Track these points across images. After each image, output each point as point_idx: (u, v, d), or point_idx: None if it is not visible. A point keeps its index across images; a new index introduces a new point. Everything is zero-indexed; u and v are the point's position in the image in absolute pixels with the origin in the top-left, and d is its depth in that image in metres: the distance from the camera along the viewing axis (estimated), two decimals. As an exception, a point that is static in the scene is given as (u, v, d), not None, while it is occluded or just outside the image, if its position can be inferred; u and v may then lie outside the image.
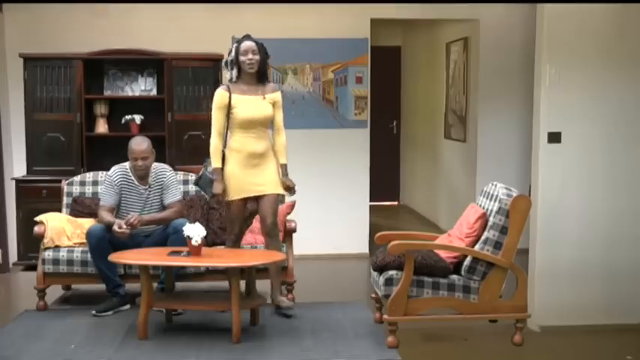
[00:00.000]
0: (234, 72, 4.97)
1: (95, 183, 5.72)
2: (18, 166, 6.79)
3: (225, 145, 5.00)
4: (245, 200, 5.04)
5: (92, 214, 5.56)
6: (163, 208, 5.29)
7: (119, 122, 6.70)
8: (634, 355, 4.53)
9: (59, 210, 5.68)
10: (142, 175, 5.23)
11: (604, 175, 4.96)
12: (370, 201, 7.55)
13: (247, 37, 5.02)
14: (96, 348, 4.51)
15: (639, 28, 4.90)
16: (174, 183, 5.34)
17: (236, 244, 5.14)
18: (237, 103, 4.92)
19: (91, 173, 5.86)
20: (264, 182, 5.00)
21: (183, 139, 6.54)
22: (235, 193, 4.97)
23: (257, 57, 4.93)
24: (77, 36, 6.83)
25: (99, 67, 6.68)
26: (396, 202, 10.59)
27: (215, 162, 4.97)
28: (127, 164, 5.28)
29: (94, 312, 5.12)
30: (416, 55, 10.04)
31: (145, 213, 5.22)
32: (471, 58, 7.64)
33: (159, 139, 6.43)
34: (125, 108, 6.70)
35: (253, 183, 4.98)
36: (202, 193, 5.26)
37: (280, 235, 5.47)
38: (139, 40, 6.69)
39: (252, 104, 4.94)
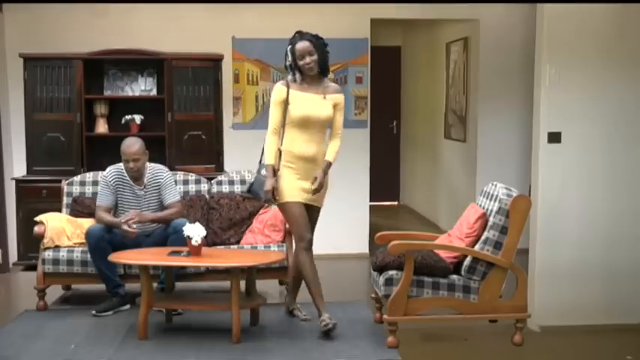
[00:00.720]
0: (297, 75, 4.67)
1: (95, 183, 5.72)
2: (18, 166, 6.79)
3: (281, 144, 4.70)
4: (302, 203, 4.71)
5: (92, 214, 5.56)
6: (161, 208, 5.29)
7: (119, 122, 6.69)
8: (634, 355, 4.53)
9: (59, 210, 5.68)
10: (136, 176, 5.24)
11: (604, 175, 4.96)
12: (370, 201, 7.55)
13: (300, 35, 4.67)
14: (96, 348, 4.51)
15: (639, 28, 4.90)
16: (171, 183, 5.34)
17: (309, 252, 4.73)
18: (295, 99, 4.64)
19: (91, 173, 5.86)
20: (313, 191, 4.71)
21: (183, 139, 6.53)
22: (288, 196, 4.67)
23: (314, 57, 4.61)
24: (77, 36, 6.83)
25: (99, 67, 6.68)
26: (396, 202, 10.59)
27: (268, 158, 4.67)
28: (122, 164, 5.29)
29: (94, 312, 5.12)
30: (416, 55, 10.04)
31: (142, 210, 5.24)
32: (471, 58, 7.64)
33: (159, 139, 6.44)
34: (125, 108, 6.70)
35: (305, 189, 4.69)
36: (259, 199, 4.94)
37: (280, 235, 5.49)
38: (139, 40, 6.68)
39: (310, 102, 4.65)
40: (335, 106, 4.72)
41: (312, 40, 4.62)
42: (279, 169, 4.67)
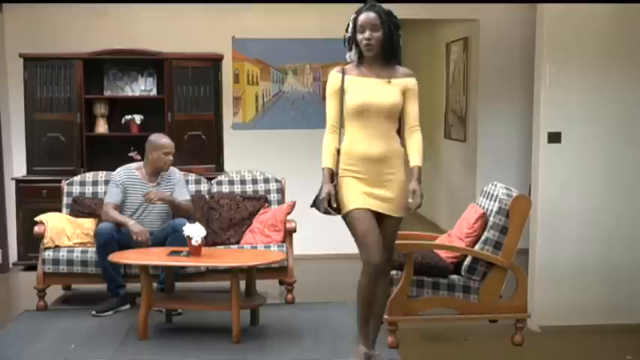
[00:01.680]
0: (354, 53, 3.85)
1: (95, 183, 5.73)
2: (18, 166, 6.79)
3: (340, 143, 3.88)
4: (374, 213, 3.80)
5: (92, 214, 5.57)
6: (169, 210, 5.35)
7: (119, 122, 6.70)
8: (634, 355, 4.52)
9: (59, 210, 5.68)
10: (157, 172, 5.31)
11: (604, 175, 4.96)
12: (370, 201, 7.54)
13: (368, 4, 3.82)
14: (96, 348, 4.51)
15: (639, 28, 4.90)
16: (184, 183, 5.46)
17: (376, 278, 3.79)
18: (351, 85, 3.80)
19: (91, 173, 5.86)
20: (386, 199, 3.83)
21: (183, 139, 6.53)
22: (352, 202, 3.78)
23: (377, 34, 3.74)
24: (77, 36, 6.83)
25: (99, 67, 6.69)
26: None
27: (324, 160, 3.85)
28: (132, 165, 5.39)
29: (94, 312, 5.12)
30: (416, 55, 10.03)
31: (148, 210, 5.29)
32: (471, 58, 7.64)
33: (159, 139, 6.44)
34: (125, 108, 6.71)
35: (375, 196, 3.80)
36: (321, 212, 3.91)
37: (280, 235, 5.48)
38: (139, 40, 6.69)
39: (369, 86, 3.78)
40: (405, 92, 3.83)
41: (380, 13, 3.77)
42: (337, 174, 3.85)
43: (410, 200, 3.76)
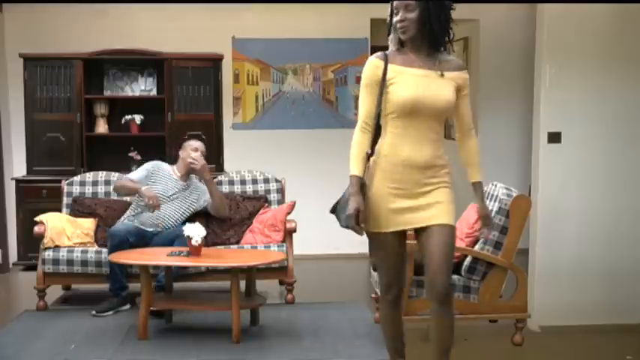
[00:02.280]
0: (393, 38, 3.27)
1: (95, 183, 5.73)
2: (18, 166, 6.80)
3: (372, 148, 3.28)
4: (401, 234, 3.35)
5: (92, 214, 5.58)
6: (189, 212, 5.45)
7: (119, 122, 6.71)
8: (634, 355, 4.52)
9: (59, 210, 5.68)
10: (188, 173, 5.45)
11: (604, 175, 4.96)
12: (370, 201, 7.54)
13: None
14: (96, 348, 4.50)
15: (639, 28, 4.90)
16: None
17: (395, 305, 3.48)
18: (396, 76, 3.19)
19: (91, 173, 5.87)
20: (426, 207, 3.26)
21: (184, 139, 6.52)
22: (376, 224, 3.29)
23: (412, 15, 3.15)
24: (77, 36, 6.84)
25: (99, 67, 6.69)
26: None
27: (353, 166, 3.22)
28: (166, 163, 5.55)
29: (94, 312, 5.12)
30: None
31: (171, 202, 5.35)
32: (471, 58, 7.63)
33: (159, 139, 6.45)
34: (125, 108, 6.71)
35: (407, 209, 3.26)
36: (342, 226, 3.35)
37: (280, 235, 5.48)
38: (139, 40, 6.69)
39: (421, 79, 3.19)
40: (459, 90, 3.26)
41: None
42: (368, 179, 3.29)
43: (485, 230, 3.41)
